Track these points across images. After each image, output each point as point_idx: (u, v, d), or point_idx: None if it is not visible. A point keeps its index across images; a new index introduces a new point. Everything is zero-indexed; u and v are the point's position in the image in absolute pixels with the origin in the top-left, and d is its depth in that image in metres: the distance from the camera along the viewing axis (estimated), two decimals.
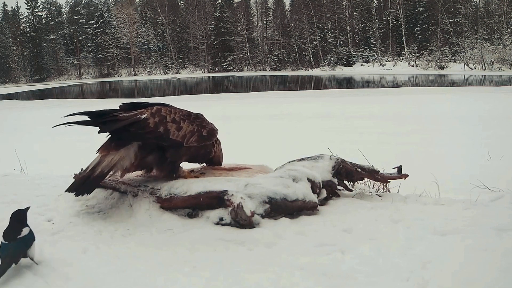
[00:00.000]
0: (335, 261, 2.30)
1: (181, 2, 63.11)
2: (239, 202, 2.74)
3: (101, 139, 3.06)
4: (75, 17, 61.38)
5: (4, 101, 27.47)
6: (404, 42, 50.21)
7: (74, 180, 3.10)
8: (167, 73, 55.32)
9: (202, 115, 3.23)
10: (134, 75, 56.05)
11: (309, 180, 3.10)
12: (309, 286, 2.07)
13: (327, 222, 2.84)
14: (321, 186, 3.21)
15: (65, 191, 2.92)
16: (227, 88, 35.55)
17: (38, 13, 60.87)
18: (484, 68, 42.26)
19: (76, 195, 2.88)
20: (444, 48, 46.70)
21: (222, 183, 2.99)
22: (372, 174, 3.49)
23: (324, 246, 2.47)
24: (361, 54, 51.89)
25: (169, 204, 2.98)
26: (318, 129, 10.02)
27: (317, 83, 35.83)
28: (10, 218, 2.28)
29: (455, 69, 43.68)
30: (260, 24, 60.76)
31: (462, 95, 19.29)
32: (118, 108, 3.03)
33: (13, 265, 2.19)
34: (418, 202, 3.26)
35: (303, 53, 53.12)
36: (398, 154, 6.26)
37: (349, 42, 53.06)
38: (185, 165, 3.38)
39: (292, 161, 3.41)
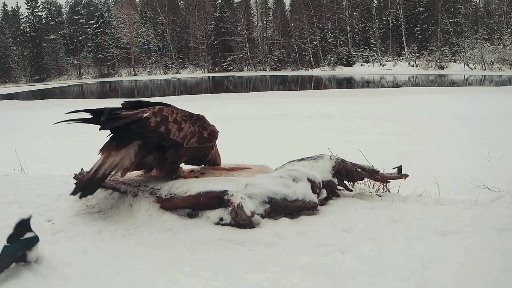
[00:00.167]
0: (335, 261, 2.30)
1: (181, 2, 63.12)
2: (239, 202, 2.74)
3: (101, 139, 3.06)
4: (75, 17, 61.39)
5: (4, 101, 27.46)
6: (404, 42, 50.23)
7: (77, 182, 3.10)
8: (167, 73, 55.33)
9: (203, 116, 3.23)
10: (134, 75, 56.06)
11: (309, 180, 3.10)
12: (309, 286, 2.07)
13: (327, 222, 2.84)
14: (321, 186, 3.21)
15: (70, 195, 2.94)
16: (227, 88, 35.54)
17: (38, 13, 60.90)
18: (484, 68, 42.27)
19: (80, 197, 2.90)
20: (444, 48, 46.71)
21: (222, 183, 2.98)
22: (372, 174, 3.49)
23: (324, 246, 2.47)
24: (361, 54, 51.90)
25: (169, 204, 2.98)
26: (318, 129, 10.02)
27: (317, 83, 35.82)
28: (14, 227, 2.28)
29: (455, 69, 43.69)
30: (260, 24, 60.78)
31: (462, 95, 19.29)
32: (121, 106, 3.02)
33: (13, 264, 2.19)
34: (418, 202, 3.26)
35: (303, 53, 53.13)
36: (398, 154, 6.26)
37: (349, 42, 53.08)
38: (185, 165, 3.38)
39: (292, 161, 3.41)
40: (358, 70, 47.79)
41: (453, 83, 30.89)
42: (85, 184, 2.90)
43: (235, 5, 59.36)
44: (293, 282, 2.10)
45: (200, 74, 54.49)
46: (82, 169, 3.53)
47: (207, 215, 2.90)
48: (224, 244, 2.55)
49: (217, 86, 38.28)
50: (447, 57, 46.22)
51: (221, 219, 2.82)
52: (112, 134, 2.98)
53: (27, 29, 59.36)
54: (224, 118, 11.85)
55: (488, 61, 42.41)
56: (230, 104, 18.36)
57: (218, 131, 3.26)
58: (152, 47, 56.28)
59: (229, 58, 54.36)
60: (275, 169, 3.36)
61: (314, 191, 3.07)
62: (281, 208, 2.90)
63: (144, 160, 3.03)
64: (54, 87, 44.06)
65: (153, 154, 3.03)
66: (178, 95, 29.29)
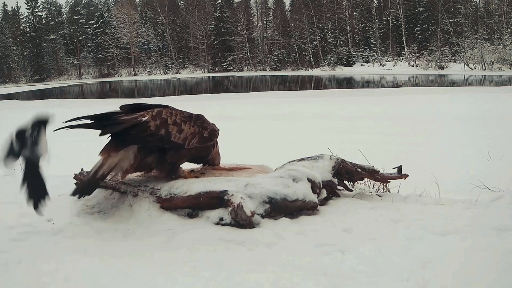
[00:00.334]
0: (335, 261, 2.30)
1: (181, 2, 63.12)
2: (239, 202, 2.74)
3: (101, 139, 3.05)
4: (75, 17, 61.39)
5: (4, 101, 27.46)
6: (404, 42, 50.23)
7: (77, 183, 3.10)
8: (167, 73, 55.32)
9: (203, 116, 3.22)
10: (134, 75, 56.06)
11: (309, 180, 3.10)
12: (309, 286, 2.07)
13: (327, 222, 2.84)
14: (321, 186, 3.21)
15: (70, 195, 2.94)
16: (227, 88, 35.54)
17: (38, 13, 60.90)
18: (484, 68, 42.27)
19: (78, 197, 2.92)
20: (444, 48, 46.70)
21: (222, 183, 2.98)
22: (372, 174, 3.49)
23: (324, 246, 2.47)
24: (361, 54, 51.89)
25: (169, 204, 2.98)
26: (318, 129, 10.01)
27: (317, 83, 35.82)
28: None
29: (455, 69, 43.68)
30: (260, 24, 60.78)
31: (462, 95, 19.28)
32: (119, 109, 3.02)
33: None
34: (418, 202, 3.26)
35: (303, 53, 53.13)
36: (398, 154, 6.26)
37: (349, 42, 53.08)
38: (185, 165, 3.38)
39: (292, 161, 3.41)
40: (358, 70, 47.78)
41: (453, 83, 30.89)
42: (85, 185, 2.92)
43: (235, 5, 59.35)
44: (293, 282, 2.10)
45: (200, 74, 54.49)
46: (82, 169, 3.53)
47: (207, 215, 2.90)
48: (224, 244, 2.55)
49: (217, 86, 38.28)
50: (447, 57, 46.22)
51: (221, 219, 2.82)
52: (112, 137, 2.98)
53: (27, 29, 59.34)
54: (224, 118, 11.84)
55: (488, 61, 42.41)
56: (230, 104, 18.36)
57: (218, 129, 3.25)
58: (152, 47, 56.27)
59: (229, 58, 54.35)
60: (275, 169, 3.36)
61: (314, 191, 3.07)
62: (281, 208, 2.90)
63: (144, 162, 3.03)
64: (54, 87, 44.06)
65: (152, 156, 3.02)
66: (178, 95, 29.28)
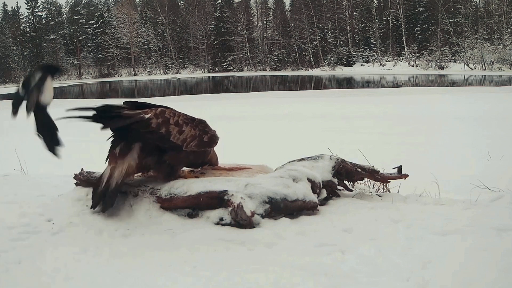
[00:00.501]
0: (335, 261, 2.30)
1: (181, 2, 63.11)
2: (239, 202, 2.74)
3: (101, 138, 3.06)
4: (75, 17, 61.36)
5: (4, 101, 27.45)
6: (404, 42, 50.22)
7: (94, 195, 3.07)
8: (167, 73, 55.31)
9: (205, 121, 3.23)
10: (134, 75, 56.04)
11: (309, 180, 3.10)
12: (309, 286, 2.07)
13: (327, 222, 2.84)
14: (321, 186, 3.21)
15: (91, 208, 2.99)
16: (227, 88, 35.54)
17: (38, 13, 60.88)
18: (484, 68, 42.27)
19: (103, 211, 2.96)
20: (444, 48, 46.69)
21: (222, 183, 2.98)
22: (372, 174, 3.49)
23: (324, 246, 2.47)
24: (361, 54, 51.88)
25: (169, 204, 2.98)
26: (318, 129, 10.02)
27: (317, 83, 35.82)
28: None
29: (455, 69, 43.68)
30: (260, 24, 60.78)
31: (462, 95, 19.29)
32: (123, 104, 3.02)
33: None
34: (418, 202, 3.26)
35: (303, 53, 53.12)
36: (398, 154, 6.26)
37: (349, 42, 53.07)
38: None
39: (292, 161, 3.41)
40: (358, 70, 47.78)
41: (453, 83, 30.89)
42: (102, 197, 2.93)
43: (235, 5, 59.34)
44: (293, 282, 2.10)
45: (200, 74, 54.48)
46: (82, 169, 3.53)
47: (207, 215, 2.90)
48: (224, 244, 2.55)
49: (217, 86, 38.27)
50: (447, 57, 46.21)
51: (221, 219, 2.82)
52: (113, 136, 2.99)
53: (27, 29, 59.34)
54: (224, 118, 11.85)
55: (488, 61, 42.41)
56: (230, 104, 18.36)
57: (218, 137, 3.25)
58: (152, 47, 56.26)
59: (229, 58, 54.35)
60: (275, 169, 3.36)
61: (314, 191, 3.08)
62: (281, 208, 2.90)
63: (144, 162, 3.04)
64: (54, 87, 43.95)
65: (151, 156, 3.03)
66: (178, 95, 29.28)
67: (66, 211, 3.13)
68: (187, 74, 54.47)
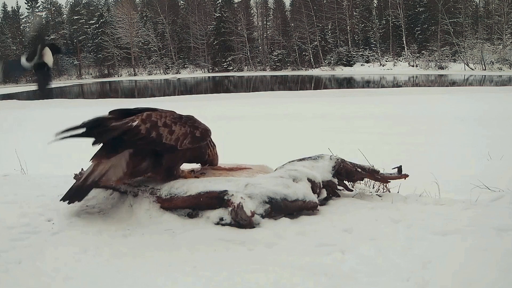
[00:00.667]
0: (335, 261, 2.30)
1: (181, 2, 63.14)
2: (239, 202, 2.74)
3: None
4: (75, 17, 61.36)
5: (4, 101, 27.46)
6: (404, 42, 50.24)
7: (69, 188, 3.09)
8: (167, 73, 55.33)
9: (193, 116, 3.20)
10: (134, 75, 56.06)
11: (309, 180, 3.10)
12: (309, 286, 2.07)
13: (327, 222, 2.84)
14: (321, 186, 3.21)
15: (60, 200, 2.96)
16: (227, 88, 35.56)
17: (38, 13, 60.90)
18: (484, 68, 42.28)
19: (68, 203, 2.93)
20: (444, 48, 46.72)
21: (222, 183, 2.98)
22: (372, 174, 3.49)
23: (324, 246, 2.47)
24: (361, 54, 51.90)
25: (169, 204, 2.98)
26: (318, 129, 10.01)
27: (317, 83, 35.83)
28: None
29: (455, 69, 43.70)
30: (260, 24, 60.82)
31: (462, 95, 19.29)
32: (108, 114, 3.02)
33: None
34: (418, 202, 3.26)
35: (303, 53, 53.14)
36: (398, 154, 6.26)
37: (349, 42, 53.08)
38: (185, 165, 3.38)
39: (292, 161, 3.41)
40: (358, 70, 47.79)
41: (453, 83, 30.90)
42: (75, 191, 2.92)
43: (235, 5, 59.39)
44: (293, 282, 2.10)
45: (200, 74, 54.49)
46: (82, 169, 3.53)
47: (207, 215, 2.90)
48: (224, 244, 2.55)
49: (217, 86, 38.29)
50: (447, 57, 46.23)
51: (221, 219, 2.82)
52: (104, 145, 2.99)
53: (27, 29, 59.33)
54: (224, 118, 11.85)
55: (488, 61, 42.43)
56: (230, 104, 18.36)
57: (210, 129, 3.23)
58: (152, 47, 56.26)
59: (229, 58, 54.37)
60: (275, 169, 3.36)
61: (314, 191, 3.07)
62: (281, 208, 2.90)
63: (140, 168, 3.02)
64: (54, 87, 44.01)
65: (147, 161, 3.02)
66: (178, 95, 29.29)
67: (66, 211, 3.13)
68: (187, 74, 54.49)
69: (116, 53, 56.65)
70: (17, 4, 62.05)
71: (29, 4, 59.37)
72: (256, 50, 57.02)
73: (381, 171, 3.55)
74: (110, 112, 3.03)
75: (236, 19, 55.24)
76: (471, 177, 4.25)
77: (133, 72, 56.91)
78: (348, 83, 35.40)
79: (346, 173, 3.44)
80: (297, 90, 30.49)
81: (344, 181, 3.51)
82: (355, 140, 7.43)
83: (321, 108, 15.30)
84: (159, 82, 46.05)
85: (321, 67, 51.15)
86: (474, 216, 2.80)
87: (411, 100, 17.05)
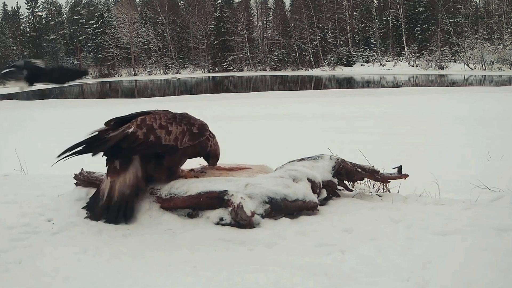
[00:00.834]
0: (335, 261, 2.30)
1: (181, 2, 63.13)
2: (239, 202, 2.74)
3: None
4: (75, 17, 61.36)
5: (4, 101, 27.46)
6: (404, 42, 50.22)
7: (90, 207, 3.09)
8: (167, 73, 55.31)
9: (187, 113, 3.20)
10: (134, 75, 56.05)
11: (309, 180, 3.10)
12: (309, 286, 2.07)
13: (328, 222, 2.84)
14: (321, 186, 3.21)
15: (90, 220, 2.99)
16: (227, 88, 35.56)
17: (38, 13, 60.91)
18: (484, 68, 42.27)
19: (106, 222, 2.95)
20: (444, 48, 46.70)
21: (222, 183, 2.98)
22: (372, 174, 3.49)
23: (324, 246, 2.47)
24: (361, 54, 51.89)
25: (169, 204, 2.98)
26: (318, 129, 10.01)
27: (317, 83, 35.83)
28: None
29: (455, 69, 43.69)
30: (260, 24, 60.81)
31: (462, 95, 19.28)
32: (104, 125, 3.05)
33: None
34: (418, 202, 3.26)
35: (303, 53, 53.13)
36: (398, 154, 6.26)
37: (349, 42, 53.07)
38: (185, 165, 3.37)
39: (292, 161, 3.41)
40: (358, 70, 47.78)
41: (453, 83, 30.90)
42: (105, 210, 2.96)
43: (235, 5, 59.38)
44: (293, 282, 2.10)
45: (200, 74, 54.49)
46: (82, 169, 3.53)
47: (207, 215, 2.90)
48: (224, 244, 2.55)
49: (217, 86, 38.29)
50: (447, 57, 46.22)
51: (221, 219, 2.82)
52: (106, 157, 3.01)
53: (27, 29, 59.35)
54: (224, 118, 11.85)
55: (488, 61, 42.41)
56: (230, 104, 18.36)
57: (206, 123, 3.23)
58: (152, 47, 56.26)
59: (229, 58, 54.36)
60: (275, 169, 3.36)
61: (314, 191, 3.07)
62: (281, 208, 2.90)
63: (147, 170, 3.06)
64: (54, 87, 44.00)
65: (151, 163, 3.05)
66: (178, 95, 29.29)
67: (66, 211, 3.13)
68: (187, 74, 54.47)
69: (116, 53, 56.62)
70: (17, 4, 62.16)
71: (29, 4, 59.33)
72: (256, 50, 57.00)
73: (381, 171, 3.55)
74: (106, 123, 3.06)
75: (236, 19, 55.22)
76: (471, 177, 4.25)
77: (133, 72, 56.89)
78: (348, 83, 35.40)
79: (346, 173, 3.44)
80: (297, 90, 30.49)
81: (344, 181, 3.51)
82: (355, 140, 7.43)
83: (321, 108, 15.31)
84: (159, 82, 46.05)
85: (321, 67, 51.13)
86: (474, 216, 2.80)
87: (411, 100, 17.05)
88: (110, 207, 2.94)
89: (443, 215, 2.88)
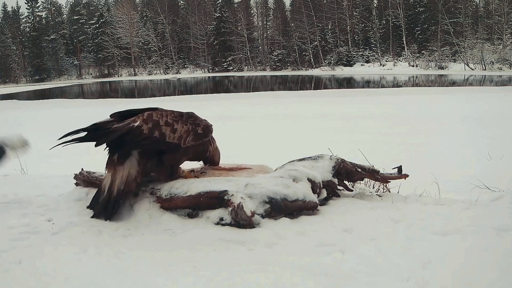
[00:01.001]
0: (335, 261, 2.30)
1: (181, 2, 63.12)
2: (239, 202, 2.74)
3: None
4: (75, 17, 61.36)
5: (4, 101, 27.46)
6: (404, 42, 50.21)
7: (92, 205, 3.08)
8: (167, 73, 55.31)
9: (194, 113, 3.20)
10: (134, 75, 56.05)
11: (309, 180, 3.10)
12: (309, 286, 2.07)
13: (328, 222, 2.84)
14: (321, 186, 3.21)
15: (92, 217, 2.96)
16: (227, 88, 35.54)
17: (38, 13, 60.89)
18: (484, 68, 42.27)
19: (105, 219, 2.93)
20: (444, 48, 46.69)
21: (222, 183, 2.98)
22: (372, 174, 3.49)
23: (324, 246, 2.47)
24: (361, 54, 51.88)
25: (169, 204, 2.98)
26: (318, 129, 10.01)
27: (317, 83, 35.82)
28: None
29: (455, 69, 43.68)
30: (260, 24, 60.81)
31: (462, 95, 19.28)
32: (110, 117, 3.03)
33: None
34: (418, 202, 3.26)
35: (303, 53, 53.12)
36: (398, 154, 6.27)
37: (349, 42, 53.06)
38: (185, 165, 3.38)
39: (292, 161, 3.41)
40: (358, 70, 47.77)
41: (453, 83, 30.89)
42: (104, 205, 2.94)
43: (235, 5, 59.37)
44: (293, 282, 2.10)
45: (200, 74, 54.49)
46: (82, 169, 3.53)
47: (207, 215, 2.90)
48: (224, 244, 2.55)
49: (217, 86, 38.28)
50: (447, 57, 46.21)
51: (221, 219, 2.82)
52: (109, 148, 3.00)
53: (27, 29, 59.33)
54: (224, 118, 11.84)
55: (488, 61, 42.41)
56: (230, 104, 18.36)
57: (211, 125, 3.23)
58: (152, 47, 56.26)
59: (229, 58, 54.35)
60: (275, 169, 3.36)
61: (314, 191, 3.07)
62: (281, 208, 2.90)
63: (146, 167, 3.04)
64: (54, 87, 44.02)
65: (151, 160, 3.04)
66: (178, 95, 29.28)
67: (66, 211, 3.13)
68: (187, 74, 54.48)
69: (116, 53, 56.62)
70: (17, 4, 62.16)
71: (29, 4, 59.33)
72: (256, 50, 57.00)
73: (381, 171, 3.55)
74: (112, 115, 3.04)
75: (236, 19, 55.22)
76: (471, 177, 4.25)
77: (133, 72, 56.89)
78: (348, 83, 35.39)
79: (346, 173, 3.44)
80: (297, 90, 30.48)
81: (344, 181, 3.51)
82: (355, 140, 7.43)
83: (321, 108, 15.31)
84: (159, 82, 46.05)
85: (321, 67, 51.12)
86: (474, 216, 2.80)
87: (411, 100, 17.05)
88: (110, 202, 2.93)
89: (443, 215, 2.88)
